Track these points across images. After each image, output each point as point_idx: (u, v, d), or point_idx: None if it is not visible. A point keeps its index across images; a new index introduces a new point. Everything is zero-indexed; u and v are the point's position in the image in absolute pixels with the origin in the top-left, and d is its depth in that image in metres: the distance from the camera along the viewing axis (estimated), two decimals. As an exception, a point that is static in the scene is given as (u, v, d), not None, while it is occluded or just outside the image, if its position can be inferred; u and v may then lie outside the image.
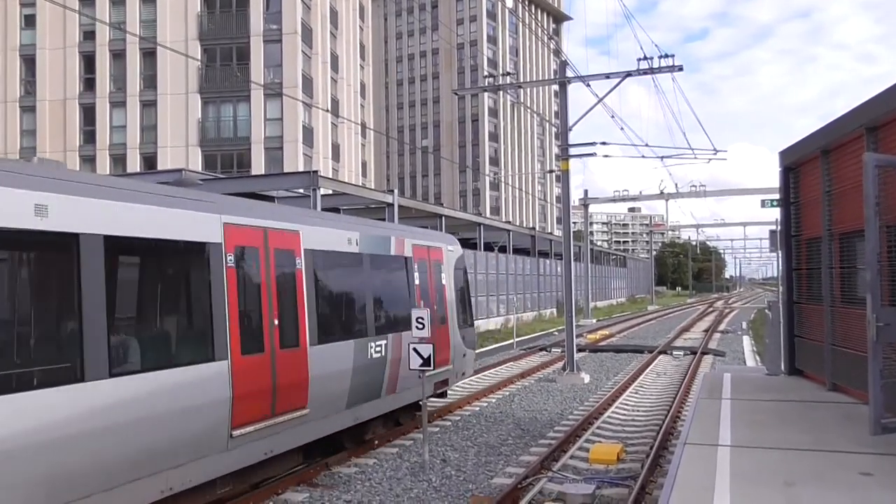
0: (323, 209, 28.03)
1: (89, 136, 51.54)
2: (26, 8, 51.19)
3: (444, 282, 14.02)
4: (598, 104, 21.19)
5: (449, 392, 18.18)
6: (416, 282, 12.82)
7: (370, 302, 11.37)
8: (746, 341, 31.16)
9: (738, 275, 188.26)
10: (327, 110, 48.31)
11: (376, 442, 12.26)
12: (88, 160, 51.00)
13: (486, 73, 65.81)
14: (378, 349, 11.24)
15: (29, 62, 51.77)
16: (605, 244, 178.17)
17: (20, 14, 51.58)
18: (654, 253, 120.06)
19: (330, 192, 32.58)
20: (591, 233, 76.82)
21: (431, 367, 10.83)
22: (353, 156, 59.39)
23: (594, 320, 47.49)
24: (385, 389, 11.57)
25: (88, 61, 51.17)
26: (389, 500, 9.33)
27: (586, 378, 19.80)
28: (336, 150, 55.43)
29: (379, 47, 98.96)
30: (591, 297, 51.59)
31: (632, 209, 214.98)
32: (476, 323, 38.45)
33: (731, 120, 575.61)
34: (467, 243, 43.03)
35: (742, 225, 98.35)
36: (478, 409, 15.85)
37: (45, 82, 51.22)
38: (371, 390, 11.13)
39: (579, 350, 24.19)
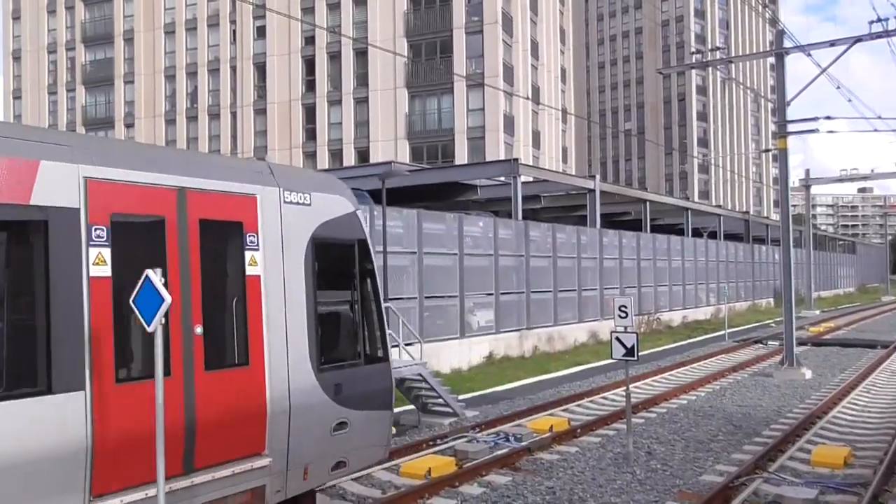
0: (523, 197, 28.35)
1: (310, 134, 55.87)
2: (258, 20, 56.52)
3: (251, 270, 6.72)
4: (820, 75, 19.39)
5: (649, 386, 17.70)
6: (95, 273, 5.60)
7: None
8: None
9: None
10: (528, 98, 48.55)
11: (578, 430, 12.23)
12: (310, 156, 55.34)
13: (693, 50, 62.44)
14: None
15: (260, 69, 57.11)
16: (831, 228, 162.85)
17: (253, 26, 57.07)
18: (890, 238, 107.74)
19: (530, 179, 32.80)
20: (814, 216, 70.68)
21: (635, 358, 10.40)
22: (553, 142, 59.19)
23: (817, 311, 43.73)
24: None
25: (309, 64, 55.41)
26: (592, 489, 9.27)
27: (808, 374, 18.34)
28: (536, 137, 55.55)
29: (580, 30, 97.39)
30: (813, 286, 47.52)
31: (862, 189, 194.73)
32: (684, 312, 37.43)
33: None
34: (673, 229, 41.38)
35: None
36: (685, 402, 15.25)
37: (274, 86, 56.25)
38: None
39: (800, 343, 22.49)
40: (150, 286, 5.22)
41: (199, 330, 6.22)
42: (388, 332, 8.21)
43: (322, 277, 7.33)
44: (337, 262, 7.78)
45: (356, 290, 7.89)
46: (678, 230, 41.17)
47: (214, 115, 59.32)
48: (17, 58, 66.27)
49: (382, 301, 8.22)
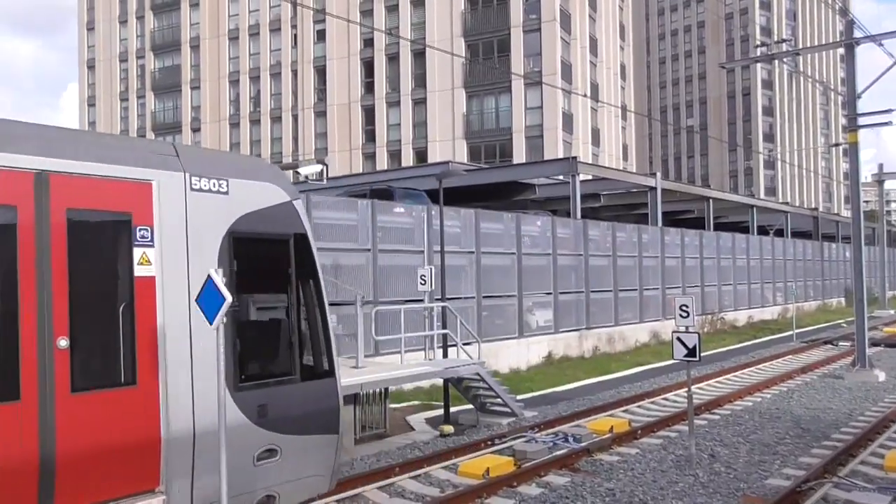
0: (583, 195, 28.08)
1: (369, 135, 56.49)
2: (318, 24, 57.44)
3: (142, 271, 5.73)
4: (893, 66, 18.61)
5: (712, 388, 17.30)
6: None
7: None
8: None
9: None
10: (586, 95, 48.02)
11: (639, 432, 12.06)
12: (369, 157, 55.95)
13: (758, 43, 60.85)
14: None
15: (320, 72, 58.01)
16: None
17: (313, 30, 58.03)
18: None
19: (589, 177, 32.44)
20: (888, 212, 67.82)
21: (697, 358, 10.20)
22: (613, 139, 58.42)
23: (892, 311, 41.98)
24: None
25: (368, 66, 56.02)
26: (653, 491, 9.12)
27: (881, 376, 17.64)
28: (596, 134, 54.91)
29: (640, 26, 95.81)
30: (887, 284, 45.67)
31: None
32: (750, 312, 36.40)
33: None
34: (738, 227, 40.34)
35: None
36: (750, 404, 14.85)
37: (334, 89, 57.07)
38: None
39: (873, 344, 21.67)
40: (212, 285, 5.38)
41: (63, 343, 5.17)
42: (334, 342, 6.90)
43: (243, 278, 6.21)
44: (265, 261, 6.68)
45: (291, 293, 6.67)
46: (743, 228, 40.16)
47: (276, 119, 60.50)
48: (91, 67, 69.01)
49: (328, 305, 6.93)
